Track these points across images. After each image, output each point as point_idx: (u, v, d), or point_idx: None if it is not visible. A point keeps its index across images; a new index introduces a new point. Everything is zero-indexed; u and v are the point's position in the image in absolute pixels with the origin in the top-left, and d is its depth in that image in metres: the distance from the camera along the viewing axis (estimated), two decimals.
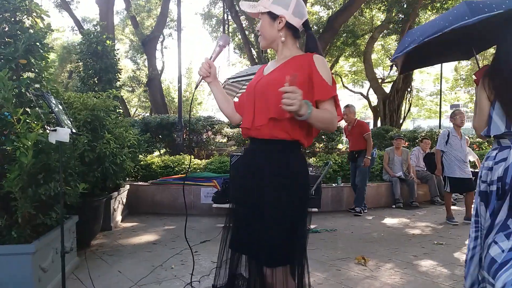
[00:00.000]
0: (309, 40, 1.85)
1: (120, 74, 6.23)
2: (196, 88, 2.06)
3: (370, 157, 6.19)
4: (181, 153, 7.48)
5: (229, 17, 17.38)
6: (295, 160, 1.77)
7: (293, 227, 1.72)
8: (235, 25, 17.97)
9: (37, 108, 2.81)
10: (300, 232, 1.76)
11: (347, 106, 6.39)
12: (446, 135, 5.72)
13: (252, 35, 18.24)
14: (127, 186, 5.84)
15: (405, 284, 3.25)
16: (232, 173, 5.19)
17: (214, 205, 5.46)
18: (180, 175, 6.52)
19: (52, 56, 3.37)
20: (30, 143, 2.52)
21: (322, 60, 1.74)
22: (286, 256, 1.72)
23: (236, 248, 1.90)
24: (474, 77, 2.68)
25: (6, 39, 3.04)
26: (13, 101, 2.69)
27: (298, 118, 1.55)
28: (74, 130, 2.59)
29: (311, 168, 6.14)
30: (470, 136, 12.40)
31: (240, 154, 5.59)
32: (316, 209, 5.41)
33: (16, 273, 2.57)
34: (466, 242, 4.56)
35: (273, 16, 1.77)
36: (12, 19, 3.07)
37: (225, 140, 10.21)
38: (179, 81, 8.36)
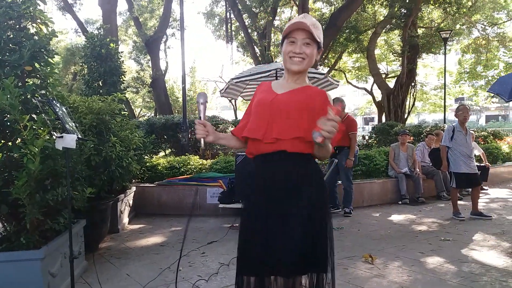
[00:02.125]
0: None
1: (125, 77, 6.25)
2: (204, 151, 2.10)
3: (353, 159, 6.00)
4: (186, 154, 7.50)
5: (232, 16, 17.35)
6: (315, 171, 1.85)
7: (316, 236, 1.76)
8: (237, 24, 17.95)
9: (43, 114, 2.84)
10: (322, 240, 1.79)
11: (337, 100, 5.84)
12: (451, 130, 5.68)
13: (255, 33, 18.23)
14: (134, 188, 5.87)
15: (412, 282, 3.25)
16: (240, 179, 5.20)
17: (220, 205, 5.48)
18: (186, 176, 6.54)
19: (56, 58, 3.40)
20: (37, 149, 2.54)
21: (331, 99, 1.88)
22: (308, 264, 1.75)
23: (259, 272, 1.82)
24: None
25: (11, 46, 3.06)
26: (19, 108, 2.72)
27: (318, 144, 1.62)
28: (80, 136, 2.61)
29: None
30: (475, 129, 12.35)
31: (245, 154, 5.59)
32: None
33: (25, 279, 2.60)
34: (473, 238, 4.57)
35: (318, 47, 1.85)
36: (17, 26, 3.10)
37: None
38: (183, 82, 8.37)
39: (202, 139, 1.87)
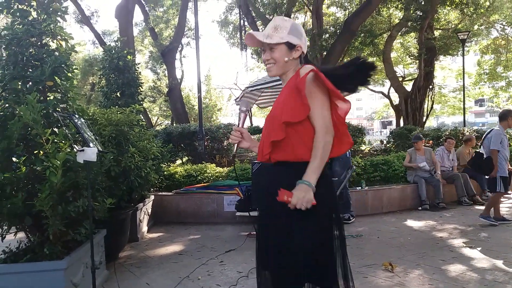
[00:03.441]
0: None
1: (142, 88, 6.36)
2: (234, 157, 2.15)
3: None
4: (203, 162, 7.56)
5: (246, 23, 17.47)
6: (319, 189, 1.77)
7: (307, 249, 1.73)
8: (251, 31, 18.04)
9: (64, 128, 2.92)
10: (319, 251, 1.76)
11: None
12: (501, 134, 5.53)
13: None
14: (152, 197, 5.94)
15: None
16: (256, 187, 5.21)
17: (238, 213, 5.49)
18: (203, 184, 6.59)
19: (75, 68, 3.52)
20: (59, 162, 2.62)
21: (305, 70, 1.78)
22: (300, 275, 1.74)
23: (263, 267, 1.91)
24: None
25: (33, 62, 3.16)
26: (42, 122, 2.80)
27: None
28: (100, 149, 2.67)
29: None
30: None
31: (262, 162, 5.60)
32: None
33: None
34: (497, 244, 4.45)
35: (290, 46, 1.84)
36: (39, 43, 3.21)
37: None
38: (199, 91, 8.46)
39: (235, 145, 1.96)
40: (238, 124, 1.96)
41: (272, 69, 1.88)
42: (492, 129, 5.69)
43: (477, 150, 5.49)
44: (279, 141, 1.77)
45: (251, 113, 26.96)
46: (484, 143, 5.68)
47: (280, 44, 1.83)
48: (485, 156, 5.60)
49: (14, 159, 2.84)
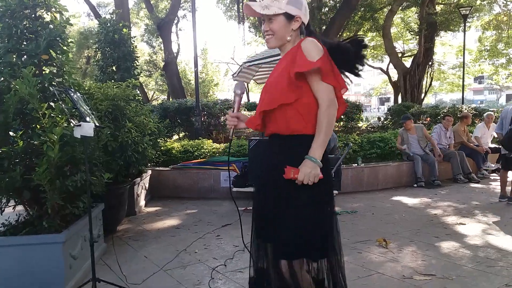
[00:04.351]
0: (310, 35, 1.88)
1: (138, 62, 6.28)
2: (231, 141, 2.10)
3: None
4: (199, 138, 7.56)
5: None
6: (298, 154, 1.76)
7: (309, 222, 1.75)
8: (249, 2, 17.68)
9: (60, 102, 2.89)
10: (320, 226, 1.78)
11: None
12: None
13: None
14: (149, 172, 5.97)
15: (427, 267, 3.26)
16: (253, 163, 5.23)
17: (234, 189, 5.54)
18: (200, 160, 6.62)
19: (70, 41, 3.45)
20: (56, 137, 2.61)
21: (309, 42, 1.75)
22: (302, 249, 1.75)
23: (259, 236, 1.94)
24: None
25: (28, 35, 3.10)
26: (38, 96, 2.77)
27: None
28: (97, 124, 2.66)
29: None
30: (496, 109, 12.04)
31: (259, 138, 5.62)
32: (336, 192, 5.43)
33: (48, 261, 2.71)
34: (490, 222, 4.53)
35: (289, 17, 1.80)
36: (33, 15, 3.13)
37: None
38: (195, 65, 8.36)
39: (231, 129, 1.95)
40: (233, 109, 1.92)
41: (271, 40, 1.84)
42: None
43: (511, 127, 5.32)
44: (271, 113, 1.78)
45: (248, 89, 26.79)
46: None
47: (279, 15, 1.78)
48: None
49: (11, 133, 2.82)
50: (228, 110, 1.94)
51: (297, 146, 1.75)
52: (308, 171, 1.64)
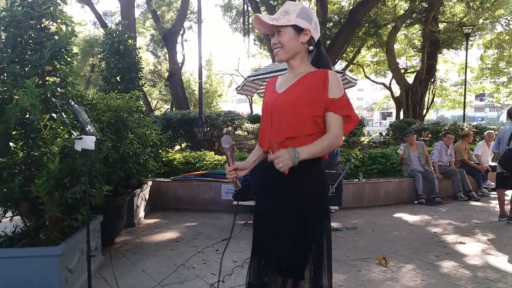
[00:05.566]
0: (321, 57, 1.89)
1: (142, 73, 6.31)
2: (236, 210, 2.13)
3: None
4: (202, 149, 7.56)
5: (249, 8, 17.28)
6: (312, 180, 1.79)
7: (306, 244, 1.77)
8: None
9: (62, 113, 2.89)
10: (316, 247, 1.79)
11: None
12: None
13: None
14: (150, 183, 5.96)
15: (426, 286, 3.23)
16: (253, 184, 5.21)
17: (235, 202, 5.51)
18: (201, 172, 6.60)
19: (75, 49, 3.46)
20: (57, 149, 2.60)
21: (336, 77, 1.77)
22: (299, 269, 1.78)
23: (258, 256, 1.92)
24: None
25: (33, 46, 3.12)
26: (40, 107, 2.78)
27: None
28: (98, 137, 2.66)
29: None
30: (497, 127, 12.02)
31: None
32: (336, 207, 5.40)
33: (44, 274, 2.68)
34: (490, 242, 4.48)
35: (298, 30, 1.79)
36: (38, 26, 3.16)
37: (245, 133, 10.27)
38: (200, 77, 8.40)
39: (235, 181, 1.94)
40: (228, 163, 1.88)
41: (279, 53, 1.83)
42: None
43: (509, 147, 5.39)
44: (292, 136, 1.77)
45: (251, 101, 26.86)
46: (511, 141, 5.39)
47: (287, 27, 1.78)
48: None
49: (11, 143, 2.82)
50: (224, 165, 1.92)
51: (301, 171, 1.73)
52: (286, 157, 1.58)
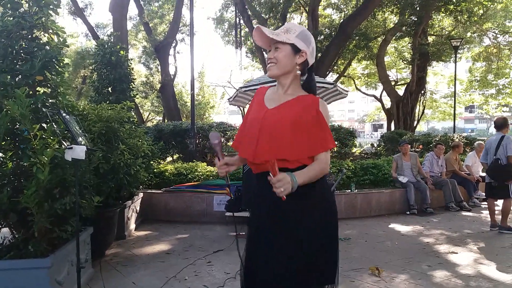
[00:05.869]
0: (312, 83, 1.92)
1: (134, 84, 6.30)
2: (229, 186, 2.11)
3: None
4: (193, 160, 7.53)
5: (241, 21, 17.43)
6: (315, 198, 1.81)
7: (310, 262, 1.81)
8: (247, 29, 18.03)
9: (53, 123, 2.87)
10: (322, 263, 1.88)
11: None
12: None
13: None
14: (141, 194, 5.90)
15: None
16: (247, 187, 5.20)
17: (227, 214, 5.48)
18: (193, 183, 6.56)
19: (66, 61, 3.44)
20: (46, 159, 2.57)
21: (325, 107, 1.82)
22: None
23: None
24: None
25: (23, 56, 3.11)
26: (30, 118, 2.75)
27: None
28: (89, 147, 2.64)
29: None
30: (486, 138, 12.16)
31: None
32: None
33: (32, 286, 2.62)
34: (482, 251, 4.50)
35: (295, 49, 1.81)
36: (29, 36, 3.15)
37: None
38: (192, 88, 8.42)
39: (225, 176, 1.96)
40: (218, 158, 1.89)
41: (273, 68, 1.83)
42: (503, 136, 5.50)
43: (495, 157, 5.46)
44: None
45: (243, 112, 26.89)
46: (498, 151, 5.44)
47: (286, 44, 1.80)
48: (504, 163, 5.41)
49: (0, 154, 2.78)
50: (214, 160, 1.92)
51: (305, 188, 1.72)
52: (286, 181, 1.59)
